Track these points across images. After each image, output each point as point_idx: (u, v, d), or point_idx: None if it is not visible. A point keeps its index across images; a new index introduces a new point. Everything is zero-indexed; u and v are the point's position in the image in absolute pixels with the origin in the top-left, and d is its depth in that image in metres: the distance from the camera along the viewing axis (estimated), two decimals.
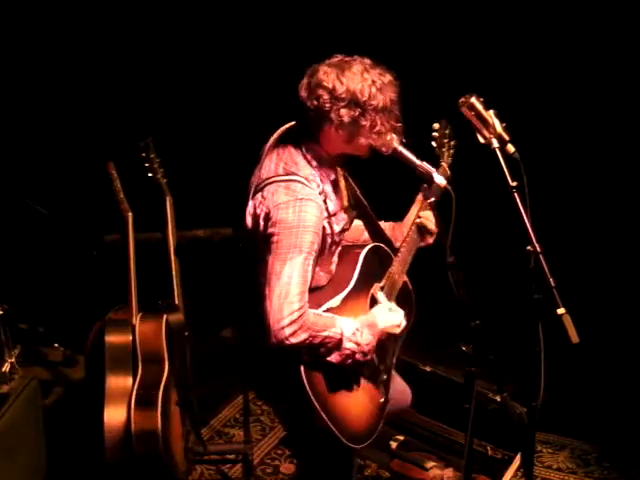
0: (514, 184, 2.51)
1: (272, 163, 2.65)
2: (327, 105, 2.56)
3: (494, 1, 4.89)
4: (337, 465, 2.86)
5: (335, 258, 2.76)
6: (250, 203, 2.67)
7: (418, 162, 2.71)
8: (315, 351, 2.56)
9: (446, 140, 2.96)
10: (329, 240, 2.68)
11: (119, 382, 3.53)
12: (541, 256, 2.46)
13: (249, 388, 3.93)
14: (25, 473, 3.42)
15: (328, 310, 2.63)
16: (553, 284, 2.42)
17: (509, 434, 3.64)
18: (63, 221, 4.87)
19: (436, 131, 2.93)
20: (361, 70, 2.57)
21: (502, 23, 4.90)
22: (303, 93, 2.60)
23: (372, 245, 2.83)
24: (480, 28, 4.93)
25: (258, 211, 2.62)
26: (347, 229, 2.79)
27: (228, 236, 4.27)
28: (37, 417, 3.55)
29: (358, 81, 2.55)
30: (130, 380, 3.54)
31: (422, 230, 2.87)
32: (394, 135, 2.66)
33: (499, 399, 3.44)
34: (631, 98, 4.78)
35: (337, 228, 2.70)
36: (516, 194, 2.50)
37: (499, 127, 2.59)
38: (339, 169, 2.79)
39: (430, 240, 2.90)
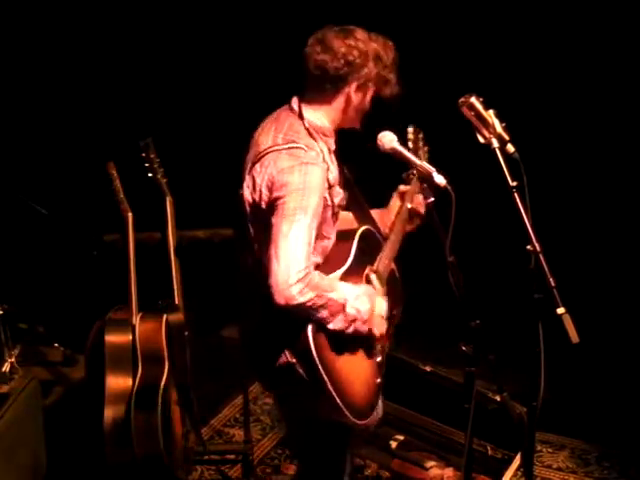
0: (514, 184, 2.51)
1: (269, 136, 2.66)
2: (320, 58, 2.61)
3: (494, 1, 4.89)
4: (331, 459, 2.85)
5: (333, 234, 2.76)
6: (247, 178, 2.67)
7: (418, 162, 2.72)
8: (319, 314, 2.54)
9: (420, 144, 2.97)
10: (329, 212, 2.68)
11: (119, 382, 3.53)
12: (541, 256, 2.46)
13: (250, 383, 3.93)
14: (25, 473, 3.42)
15: None
16: (553, 284, 2.42)
17: (509, 434, 3.64)
18: (63, 221, 4.87)
19: (410, 134, 2.95)
20: (357, 29, 2.67)
21: (502, 23, 4.90)
22: (322, 57, 2.62)
23: (366, 227, 2.84)
24: (480, 28, 4.93)
25: (259, 181, 2.61)
26: (343, 205, 2.79)
27: (228, 237, 4.27)
28: (37, 417, 3.55)
29: (352, 36, 2.65)
30: (130, 380, 3.53)
31: (412, 214, 2.88)
32: (390, 87, 2.70)
33: (499, 399, 3.44)
34: (631, 98, 4.78)
35: (336, 201, 2.71)
36: (516, 194, 2.50)
37: (499, 127, 2.59)
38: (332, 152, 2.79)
39: (416, 224, 2.91)
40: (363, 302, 2.63)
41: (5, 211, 4.77)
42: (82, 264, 4.89)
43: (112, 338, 3.58)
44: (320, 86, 2.66)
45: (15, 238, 5.01)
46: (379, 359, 2.79)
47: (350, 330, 2.61)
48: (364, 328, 2.65)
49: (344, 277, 2.68)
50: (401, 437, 3.91)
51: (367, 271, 2.77)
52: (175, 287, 3.80)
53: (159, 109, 5.14)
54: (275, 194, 2.56)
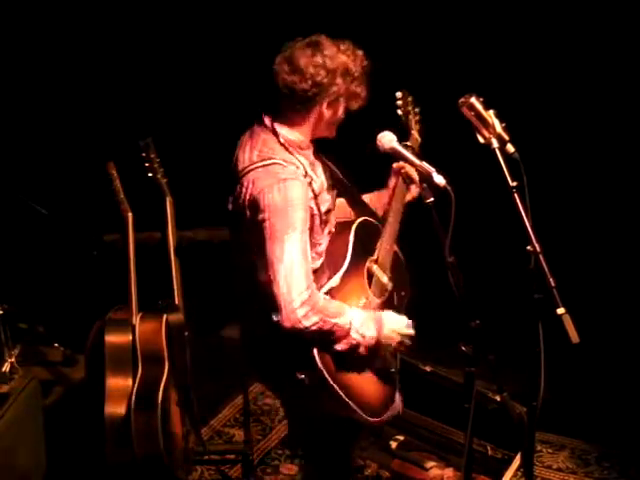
0: (514, 184, 2.51)
1: (246, 154, 2.66)
2: (288, 78, 2.61)
3: (494, 1, 4.89)
4: (337, 457, 2.86)
5: (325, 239, 2.76)
6: (230, 199, 2.68)
7: (417, 162, 2.71)
8: (323, 338, 2.56)
9: (410, 108, 2.98)
10: (317, 221, 2.69)
11: (119, 382, 3.53)
12: (541, 256, 2.46)
13: (250, 383, 3.93)
14: (25, 473, 3.42)
15: (330, 291, 2.64)
16: (553, 284, 2.42)
17: (509, 434, 3.64)
18: (63, 221, 4.87)
19: (399, 100, 2.96)
20: (324, 42, 2.63)
21: (502, 23, 4.90)
22: (290, 78, 2.62)
23: (361, 219, 2.83)
24: (480, 28, 4.93)
25: (240, 201, 2.61)
26: (332, 209, 2.79)
27: (228, 238, 4.26)
28: (37, 417, 3.55)
29: (319, 51, 2.61)
30: (130, 380, 3.53)
31: (407, 181, 2.88)
32: (358, 101, 2.69)
33: (499, 399, 3.43)
34: (631, 98, 4.78)
35: (323, 208, 2.71)
36: (516, 194, 2.50)
37: (499, 127, 2.59)
38: (313, 154, 2.79)
39: (415, 192, 2.90)
40: (369, 328, 2.63)
41: (5, 211, 4.77)
42: (82, 264, 4.89)
43: (112, 338, 3.58)
44: (290, 104, 2.66)
45: (15, 238, 5.01)
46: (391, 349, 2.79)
47: (353, 352, 2.62)
48: (368, 351, 2.65)
49: (345, 277, 2.69)
50: (401, 437, 3.91)
51: (368, 264, 2.77)
52: (175, 287, 3.79)
53: (159, 109, 5.14)
54: (260, 216, 2.56)
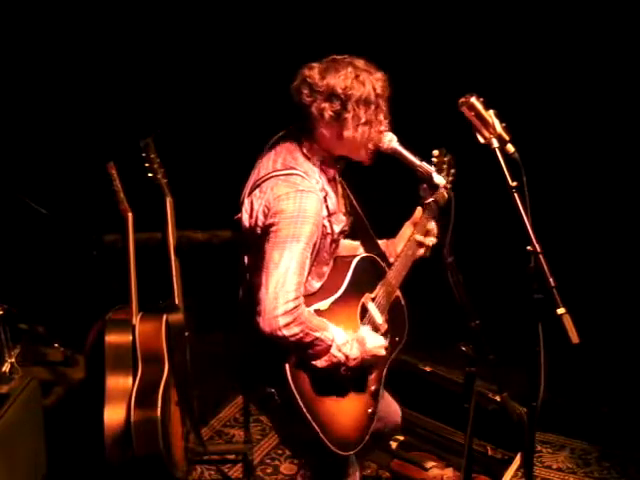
0: (514, 184, 2.50)
1: (270, 161, 2.65)
2: (309, 99, 2.57)
3: (494, 1, 4.89)
4: (327, 467, 2.82)
5: (331, 261, 2.75)
6: (246, 201, 2.66)
7: (418, 162, 2.72)
8: (303, 351, 2.54)
9: (445, 167, 2.94)
10: (329, 240, 2.67)
11: (119, 382, 3.53)
12: (541, 256, 2.45)
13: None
14: (25, 473, 3.42)
15: (316, 312, 2.61)
16: (553, 284, 2.42)
17: (509, 434, 3.64)
18: (63, 221, 4.87)
19: (435, 157, 2.92)
20: (343, 64, 2.58)
21: (502, 23, 4.90)
22: (309, 98, 2.60)
23: (365, 255, 2.82)
24: (480, 28, 4.93)
25: (256, 206, 2.60)
26: (346, 232, 2.78)
27: (228, 239, 4.27)
28: (37, 417, 3.55)
29: (339, 75, 2.56)
30: (130, 380, 3.53)
31: (420, 243, 2.86)
32: (386, 131, 2.65)
33: (499, 399, 3.44)
34: (631, 98, 4.78)
35: (337, 228, 2.70)
36: (516, 194, 2.50)
37: (499, 127, 2.59)
38: (337, 177, 2.77)
39: (424, 252, 2.88)
40: (353, 348, 2.61)
41: (5, 211, 4.76)
42: (82, 264, 4.89)
43: (112, 338, 3.58)
44: (310, 121, 2.63)
45: (15, 238, 5.01)
46: (373, 388, 2.77)
47: (334, 370, 2.59)
48: (347, 373, 2.63)
49: (335, 305, 2.67)
50: (401, 437, 3.91)
51: (364, 299, 2.76)
52: (175, 287, 3.80)
53: (159, 109, 5.14)
54: (269, 220, 2.55)
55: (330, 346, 2.56)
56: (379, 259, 2.84)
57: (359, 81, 2.57)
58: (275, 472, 3.93)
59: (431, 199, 2.84)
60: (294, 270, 2.49)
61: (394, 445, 3.88)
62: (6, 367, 3.89)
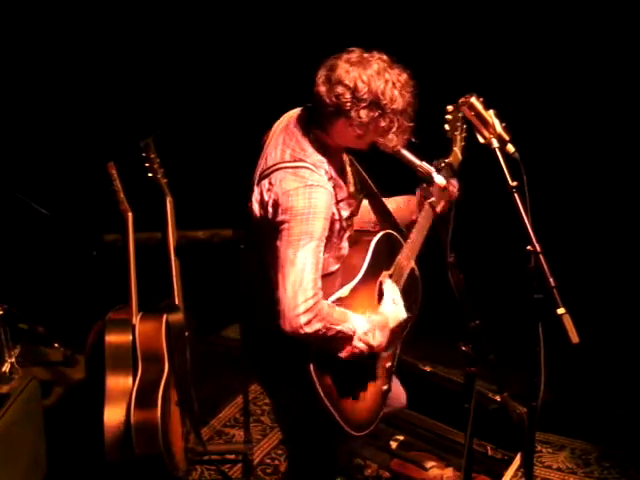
0: (514, 184, 2.50)
1: (278, 149, 2.63)
2: (348, 104, 2.54)
3: (494, 1, 4.89)
4: (322, 460, 2.84)
5: (345, 243, 2.74)
6: (256, 190, 2.65)
7: (418, 162, 2.72)
8: (326, 345, 2.55)
9: (459, 124, 2.90)
10: (337, 226, 2.66)
11: (119, 382, 3.53)
12: (541, 256, 2.45)
13: (250, 383, 3.92)
14: (25, 473, 3.42)
15: (337, 300, 2.61)
16: (553, 284, 2.42)
17: (509, 434, 3.64)
18: (63, 221, 4.87)
19: (449, 114, 2.88)
20: (382, 69, 2.56)
21: (502, 23, 4.90)
22: (322, 87, 2.57)
23: (383, 233, 2.81)
24: (480, 28, 4.93)
25: (266, 198, 2.59)
26: (355, 214, 2.77)
27: (228, 238, 4.27)
28: (37, 417, 3.55)
29: (380, 82, 2.54)
30: (130, 380, 3.53)
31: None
32: (406, 135, 2.65)
33: (499, 399, 3.44)
34: (631, 98, 4.78)
35: (345, 214, 2.69)
36: (516, 194, 2.50)
37: (499, 127, 2.59)
38: (345, 156, 2.78)
39: (449, 200, 2.82)
40: (375, 336, 2.61)
41: (5, 211, 4.77)
42: (82, 264, 4.89)
43: (112, 338, 3.58)
44: (319, 109, 2.61)
45: (15, 238, 5.02)
46: (388, 365, 2.79)
47: (354, 359, 2.61)
48: (371, 361, 2.65)
49: (355, 289, 2.67)
50: (401, 437, 3.91)
51: (382, 277, 2.75)
52: (175, 287, 3.80)
53: (159, 109, 5.14)
54: (280, 217, 2.54)
55: (352, 337, 2.57)
56: (395, 232, 2.84)
57: (398, 91, 2.57)
58: (275, 472, 3.92)
59: (446, 160, 2.82)
60: (310, 267, 2.49)
61: (394, 445, 3.88)
62: (6, 367, 3.90)
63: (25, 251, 5.11)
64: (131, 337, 3.58)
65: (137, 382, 3.51)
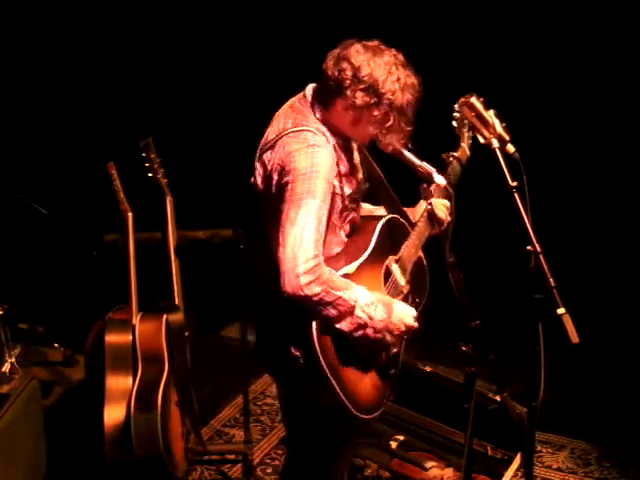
0: (514, 184, 2.50)
1: (281, 122, 2.64)
2: (347, 81, 2.56)
3: (494, 1, 4.89)
4: (323, 455, 2.80)
5: (347, 226, 2.73)
6: (257, 165, 2.66)
7: (418, 162, 2.71)
8: (326, 311, 2.49)
9: (466, 121, 2.90)
10: (339, 202, 2.65)
11: (119, 382, 3.53)
12: (541, 256, 2.45)
13: (250, 383, 3.92)
14: (25, 473, 3.42)
15: (344, 276, 2.58)
16: (553, 284, 2.42)
17: (509, 434, 3.64)
18: (63, 221, 4.88)
19: (457, 111, 2.88)
20: (391, 63, 2.57)
21: (502, 23, 4.90)
22: (329, 62, 2.59)
23: (390, 216, 2.80)
24: (480, 28, 4.93)
25: (269, 166, 2.60)
26: (358, 199, 2.76)
27: (228, 238, 4.27)
28: (37, 417, 3.55)
29: (385, 72, 2.55)
30: (130, 380, 3.54)
31: (432, 218, 2.82)
32: (401, 137, 2.65)
33: (499, 399, 3.44)
34: (631, 98, 4.78)
35: (347, 190, 2.68)
36: (516, 194, 2.50)
37: (499, 127, 2.59)
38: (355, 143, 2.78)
39: (438, 230, 2.84)
40: (378, 310, 2.57)
41: (5, 211, 4.77)
42: (82, 264, 4.89)
43: (112, 338, 3.58)
44: (331, 94, 2.62)
45: (15, 238, 5.02)
46: (395, 350, 2.75)
47: (358, 334, 2.55)
48: (376, 336, 2.58)
49: (361, 268, 2.64)
50: (401, 437, 3.91)
51: (388, 261, 2.74)
52: (175, 287, 3.80)
53: (159, 109, 5.14)
54: (284, 179, 2.54)
55: (354, 307, 2.51)
56: (403, 220, 2.83)
57: (400, 86, 2.57)
58: (275, 472, 3.92)
59: (454, 154, 2.85)
60: (311, 227, 2.46)
61: (394, 445, 3.88)
62: (6, 367, 3.90)
63: (25, 251, 5.11)
64: (131, 337, 3.58)
65: (137, 382, 3.51)
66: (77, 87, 5.25)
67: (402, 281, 2.76)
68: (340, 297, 2.49)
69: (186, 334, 3.70)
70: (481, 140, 2.61)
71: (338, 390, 2.55)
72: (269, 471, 3.94)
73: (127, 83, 5.27)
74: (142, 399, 3.47)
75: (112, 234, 4.39)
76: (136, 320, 3.62)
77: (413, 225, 2.84)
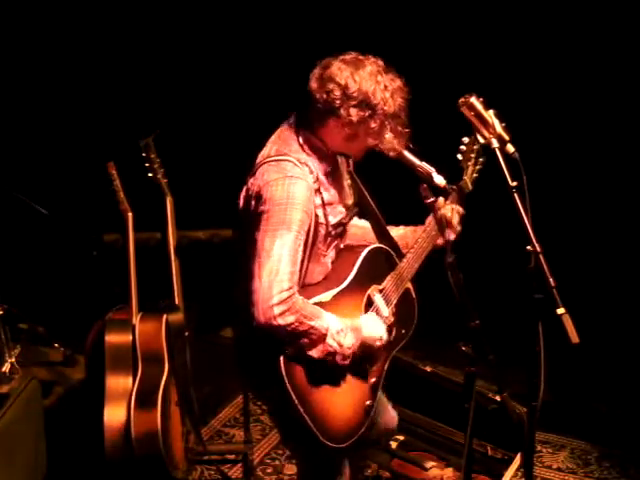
0: (514, 184, 2.50)
1: (267, 148, 2.67)
2: (338, 101, 2.56)
3: (494, 1, 4.89)
4: (324, 460, 2.80)
5: (332, 253, 2.74)
6: (243, 189, 2.68)
7: (417, 162, 2.72)
8: (298, 340, 2.51)
9: (473, 155, 2.94)
10: (322, 231, 2.66)
11: (119, 382, 3.53)
12: (541, 256, 2.45)
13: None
14: (25, 473, 3.42)
15: (317, 304, 2.59)
16: (553, 284, 2.42)
17: (509, 434, 3.64)
18: (63, 221, 4.87)
19: (465, 145, 2.92)
20: (375, 72, 2.58)
21: (502, 23, 4.90)
22: (313, 84, 2.60)
23: (375, 246, 2.80)
24: (480, 28, 4.93)
25: (250, 192, 2.62)
26: (345, 224, 2.77)
27: (228, 238, 4.27)
28: (37, 417, 3.55)
29: (371, 83, 2.56)
30: (130, 380, 3.54)
31: (443, 223, 2.80)
32: (400, 140, 2.66)
33: (499, 399, 3.44)
34: (631, 98, 4.78)
35: (333, 220, 2.68)
36: (516, 194, 2.50)
37: (499, 127, 2.58)
38: (345, 166, 2.79)
39: (451, 236, 2.81)
40: (347, 337, 2.57)
41: (5, 211, 4.77)
42: (82, 264, 4.89)
43: (112, 338, 3.58)
44: (311, 109, 2.63)
45: (15, 238, 5.01)
46: (373, 380, 2.74)
47: (329, 360, 2.56)
48: (344, 362, 2.59)
49: (339, 296, 2.65)
50: (401, 437, 3.91)
51: (370, 291, 2.74)
52: (175, 287, 3.80)
53: (159, 109, 5.14)
54: (260, 207, 2.55)
55: (325, 335, 2.53)
56: (390, 250, 2.83)
57: (390, 93, 2.58)
58: (275, 472, 3.93)
59: (454, 187, 2.85)
60: (287, 259, 2.48)
61: (394, 445, 3.88)
62: (6, 367, 3.89)
63: (25, 251, 5.11)
64: (131, 337, 3.58)
65: (137, 382, 3.51)
66: (77, 87, 5.25)
67: (386, 312, 2.75)
68: (312, 326, 2.51)
69: (186, 334, 3.70)
70: (481, 140, 2.61)
71: (306, 417, 2.54)
72: (269, 471, 3.94)
73: (127, 84, 5.27)
74: (142, 399, 3.47)
75: (112, 234, 4.39)
76: (136, 320, 3.62)
77: (402, 256, 2.83)
